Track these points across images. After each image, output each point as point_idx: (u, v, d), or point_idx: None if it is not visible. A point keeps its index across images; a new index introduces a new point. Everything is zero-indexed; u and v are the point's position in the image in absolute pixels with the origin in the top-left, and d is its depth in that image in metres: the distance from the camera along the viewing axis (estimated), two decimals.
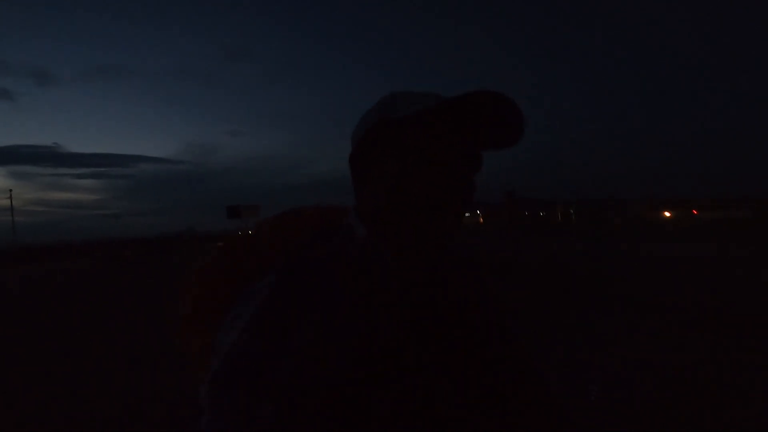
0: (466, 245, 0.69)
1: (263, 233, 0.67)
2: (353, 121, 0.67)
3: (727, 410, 2.91)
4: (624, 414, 2.91)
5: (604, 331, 4.94)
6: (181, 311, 0.65)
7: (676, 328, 4.91)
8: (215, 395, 0.50)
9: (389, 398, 0.49)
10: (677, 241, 19.44)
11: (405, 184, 0.56)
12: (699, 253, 13.26)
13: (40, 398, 3.78)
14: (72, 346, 5.55)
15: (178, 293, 0.66)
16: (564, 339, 4.54)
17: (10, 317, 8.30)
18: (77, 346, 5.56)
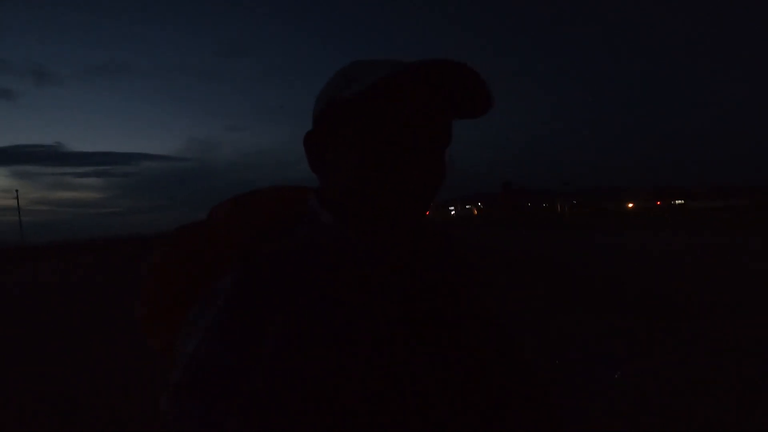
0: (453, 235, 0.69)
1: (218, 220, 0.63)
2: None
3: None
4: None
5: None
6: (136, 311, 0.61)
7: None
8: (178, 408, 0.47)
9: (369, 400, 0.46)
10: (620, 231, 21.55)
11: (363, 168, 0.52)
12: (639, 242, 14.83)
13: (41, 395, 3.82)
14: (75, 343, 5.61)
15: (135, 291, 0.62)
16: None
17: (16, 315, 8.41)
18: (80, 343, 5.62)
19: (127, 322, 6.60)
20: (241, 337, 0.48)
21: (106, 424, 3.21)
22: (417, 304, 0.54)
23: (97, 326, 6.66)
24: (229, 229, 0.61)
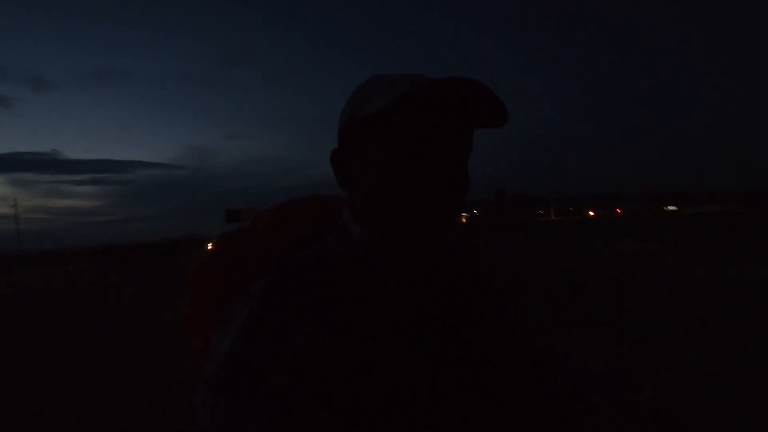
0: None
1: (261, 228, 0.66)
2: None
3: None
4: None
5: None
6: (181, 311, 0.64)
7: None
8: (212, 402, 0.50)
9: (387, 403, 0.48)
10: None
11: (385, 181, 0.53)
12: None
13: (40, 398, 3.86)
14: (77, 346, 5.63)
15: (181, 292, 0.65)
16: None
17: (15, 320, 8.39)
18: (82, 345, 5.64)
19: (126, 324, 6.90)
20: (269, 337, 0.51)
21: (104, 424, 3.26)
22: (437, 319, 0.54)
23: (97, 329, 6.75)
24: (270, 236, 0.64)
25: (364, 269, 0.55)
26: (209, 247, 0.66)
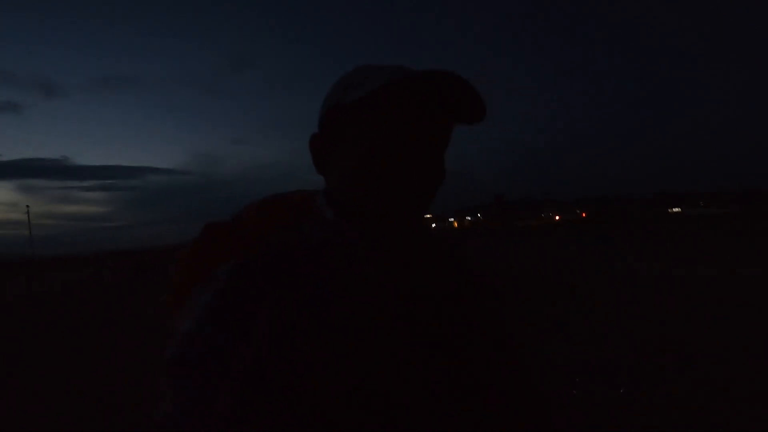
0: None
1: (246, 219, 0.65)
2: None
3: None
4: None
5: None
6: (162, 297, 0.64)
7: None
8: (170, 382, 0.48)
9: (357, 384, 0.47)
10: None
11: (366, 166, 0.53)
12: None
13: (43, 399, 3.93)
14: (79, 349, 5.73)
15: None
16: None
17: (23, 323, 8.55)
18: (85, 348, 5.75)
19: (131, 326, 7.00)
20: (233, 319, 0.49)
21: (112, 420, 3.29)
22: (409, 301, 0.54)
23: (105, 331, 6.86)
24: (254, 226, 0.63)
25: (337, 253, 0.55)
26: (200, 233, 0.66)
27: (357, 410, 0.47)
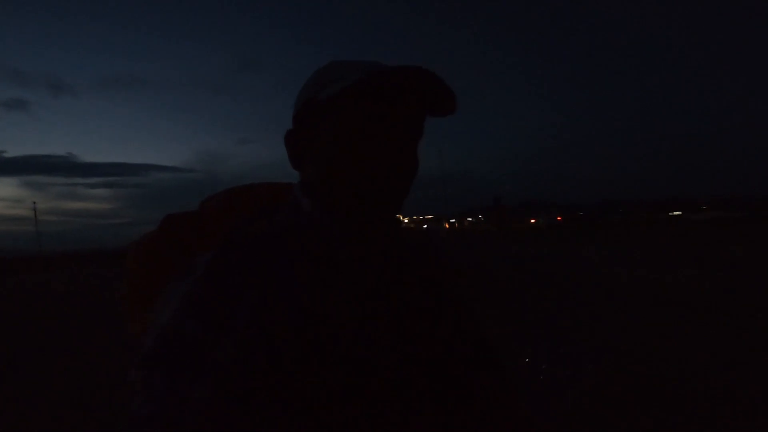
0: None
1: (208, 209, 0.64)
2: None
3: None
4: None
5: None
6: (121, 292, 0.62)
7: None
8: (147, 376, 0.47)
9: (334, 378, 0.46)
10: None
11: (338, 163, 0.54)
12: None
13: (45, 393, 4.00)
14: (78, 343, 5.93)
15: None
16: None
17: (26, 319, 8.88)
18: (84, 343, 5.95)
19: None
20: (211, 310, 0.48)
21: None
22: (387, 292, 0.54)
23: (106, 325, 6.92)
24: (219, 217, 0.62)
25: (313, 242, 0.55)
26: (158, 226, 0.64)
27: (339, 399, 0.46)
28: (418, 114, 0.57)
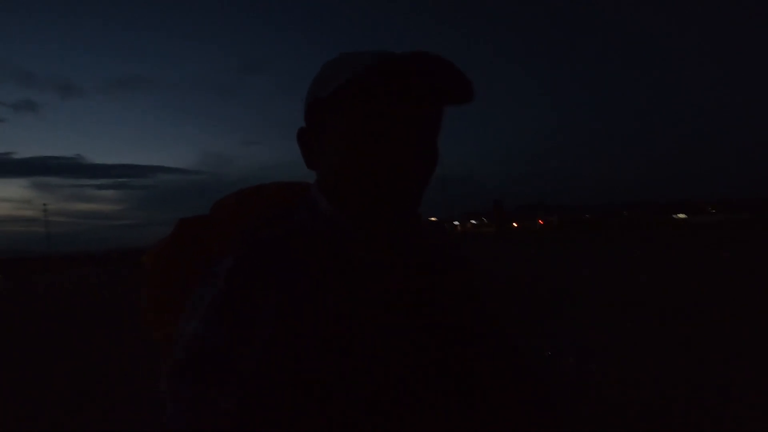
0: None
1: (222, 212, 0.64)
2: None
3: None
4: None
5: None
6: (141, 302, 0.62)
7: None
8: (176, 388, 0.47)
9: (360, 384, 0.46)
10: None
11: (350, 156, 0.52)
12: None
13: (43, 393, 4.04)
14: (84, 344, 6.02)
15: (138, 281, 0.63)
16: None
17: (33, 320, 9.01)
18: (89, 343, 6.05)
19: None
20: (237, 317, 0.48)
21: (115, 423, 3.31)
22: (408, 295, 0.53)
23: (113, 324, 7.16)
24: (232, 219, 0.61)
25: (333, 244, 0.54)
26: (172, 231, 0.63)
27: (363, 407, 0.46)
28: (433, 103, 0.55)
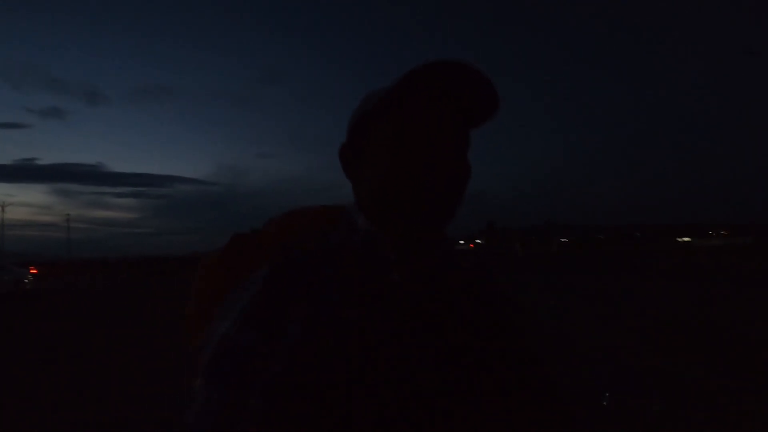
0: None
1: (270, 230, 0.66)
2: None
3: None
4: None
5: None
6: (186, 308, 0.64)
7: None
8: (205, 387, 0.49)
9: (383, 394, 0.47)
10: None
11: (395, 170, 0.54)
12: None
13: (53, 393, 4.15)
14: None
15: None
16: None
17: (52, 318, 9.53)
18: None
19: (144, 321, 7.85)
20: (268, 322, 0.50)
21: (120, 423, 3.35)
22: (436, 316, 0.53)
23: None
24: (278, 236, 0.64)
25: (367, 261, 0.55)
26: (225, 245, 0.66)
27: (384, 414, 0.46)
28: (461, 122, 0.57)
